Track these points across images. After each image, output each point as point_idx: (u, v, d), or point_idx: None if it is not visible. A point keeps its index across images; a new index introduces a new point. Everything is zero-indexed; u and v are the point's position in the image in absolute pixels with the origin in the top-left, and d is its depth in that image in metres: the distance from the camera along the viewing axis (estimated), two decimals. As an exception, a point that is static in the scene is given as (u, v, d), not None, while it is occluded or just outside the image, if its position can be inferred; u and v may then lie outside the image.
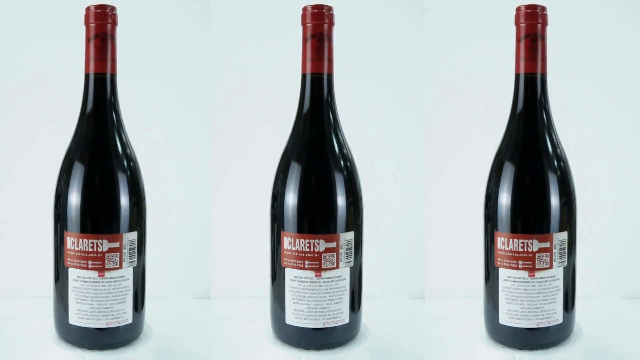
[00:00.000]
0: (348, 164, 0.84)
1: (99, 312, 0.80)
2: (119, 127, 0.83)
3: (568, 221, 0.82)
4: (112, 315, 0.80)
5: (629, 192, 1.09)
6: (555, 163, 0.82)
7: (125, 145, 0.83)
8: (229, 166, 1.08)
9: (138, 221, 0.82)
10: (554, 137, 0.83)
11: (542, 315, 0.81)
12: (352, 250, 0.82)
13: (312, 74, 0.83)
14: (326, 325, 0.82)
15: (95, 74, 0.81)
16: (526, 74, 0.82)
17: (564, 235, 0.81)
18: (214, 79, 1.05)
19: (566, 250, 0.81)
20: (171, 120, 1.07)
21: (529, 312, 0.81)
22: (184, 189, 1.08)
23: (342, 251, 0.81)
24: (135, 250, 0.81)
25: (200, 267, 1.05)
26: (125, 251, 0.79)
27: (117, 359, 0.80)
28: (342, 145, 0.84)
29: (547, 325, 0.81)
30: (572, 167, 0.84)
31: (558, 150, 0.83)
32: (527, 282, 0.80)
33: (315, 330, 0.82)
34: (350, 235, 0.82)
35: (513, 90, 0.83)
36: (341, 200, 0.82)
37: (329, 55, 0.83)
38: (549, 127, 0.83)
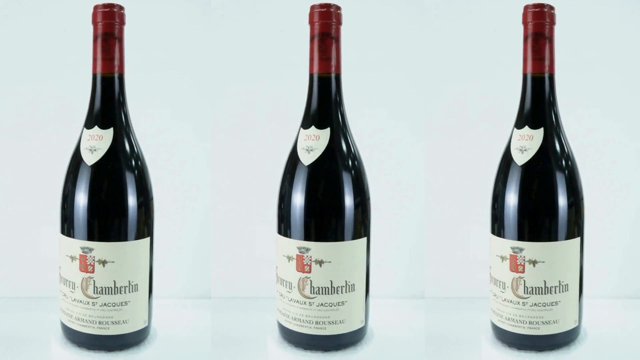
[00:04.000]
0: (356, 164, 0.84)
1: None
2: (127, 127, 0.82)
3: (576, 222, 0.82)
4: None
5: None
6: (564, 163, 0.82)
7: (133, 146, 0.83)
8: (232, 166, 1.07)
9: (146, 222, 0.82)
10: (562, 138, 0.83)
11: None
12: None
13: (320, 74, 0.82)
14: None
15: (103, 74, 0.80)
16: (534, 74, 0.82)
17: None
18: (219, 78, 1.05)
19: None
20: (172, 120, 1.06)
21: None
22: (186, 189, 1.07)
23: None
24: None
25: (200, 267, 1.05)
26: None
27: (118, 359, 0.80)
28: (350, 146, 0.84)
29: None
30: (580, 167, 0.84)
31: (566, 151, 0.83)
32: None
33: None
34: None
35: (521, 90, 0.83)
36: (349, 201, 0.82)
37: (337, 55, 0.82)
38: (557, 127, 0.83)
